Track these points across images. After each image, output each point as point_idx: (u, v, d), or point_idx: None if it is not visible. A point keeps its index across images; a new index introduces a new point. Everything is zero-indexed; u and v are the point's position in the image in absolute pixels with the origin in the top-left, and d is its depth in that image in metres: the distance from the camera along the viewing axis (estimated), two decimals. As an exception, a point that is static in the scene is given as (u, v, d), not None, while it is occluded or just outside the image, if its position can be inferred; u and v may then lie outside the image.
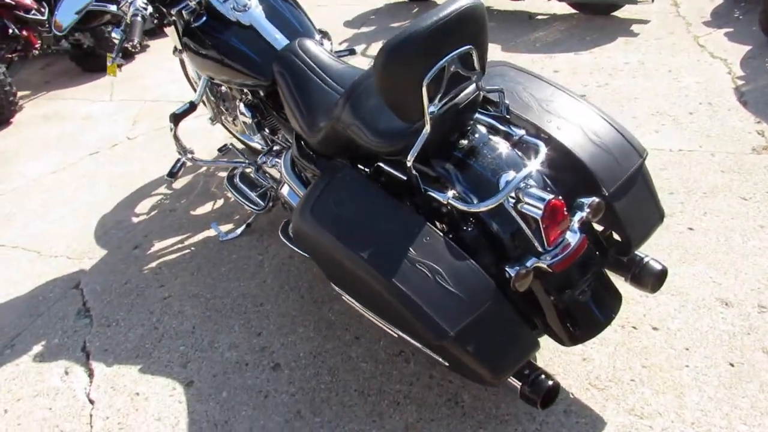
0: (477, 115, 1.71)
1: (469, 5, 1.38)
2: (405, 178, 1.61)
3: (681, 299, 2.07)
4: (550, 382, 1.52)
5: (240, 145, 2.93)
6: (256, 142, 2.59)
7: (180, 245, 2.74)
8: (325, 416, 1.83)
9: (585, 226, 1.61)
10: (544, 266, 1.47)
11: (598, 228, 1.73)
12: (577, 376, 1.86)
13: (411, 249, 1.47)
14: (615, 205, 1.58)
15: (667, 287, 2.11)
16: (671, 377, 1.81)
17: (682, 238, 2.34)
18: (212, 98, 2.72)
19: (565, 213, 1.47)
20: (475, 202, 1.51)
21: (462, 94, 1.52)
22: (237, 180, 2.66)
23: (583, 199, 1.55)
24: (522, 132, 1.63)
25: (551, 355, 1.93)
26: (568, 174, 1.62)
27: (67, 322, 2.38)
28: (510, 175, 1.51)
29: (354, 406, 1.85)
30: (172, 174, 2.70)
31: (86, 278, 2.61)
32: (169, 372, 2.07)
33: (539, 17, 5.00)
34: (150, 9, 2.14)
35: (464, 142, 1.61)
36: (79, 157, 3.77)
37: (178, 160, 2.72)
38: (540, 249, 1.48)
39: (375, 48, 4.75)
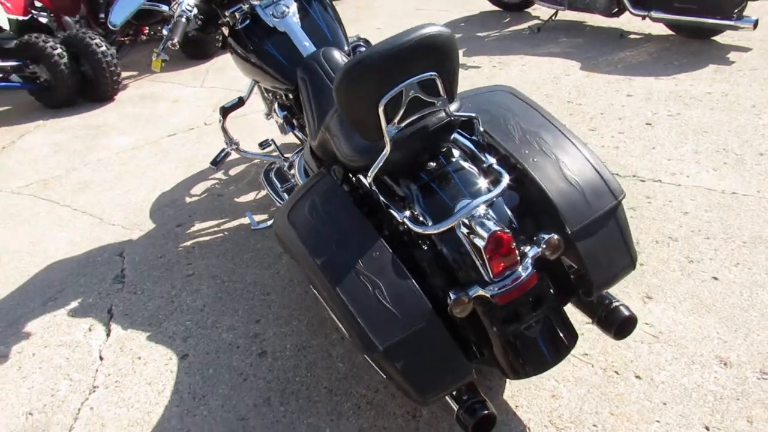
0: (460, 138, 1.73)
1: (431, 34, 1.41)
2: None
3: (677, 351, 1.96)
4: (485, 412, 1.52)
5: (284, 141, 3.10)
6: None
7: (216, 228, 2.96)
8: (290, 407, 1.93)
9: (549, 263, 1.59)
10: (488, 296, 1.48)
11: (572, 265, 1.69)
12: (540, 410, 1.82)
13: (360, 261, 1.53)
14: (578, 245, 1.54)
15: (666, 336, 2.01)
16: (636, 430, 1.73)
17: (702, 286, 2.19)
18: (266, 95, 2.90)
19: (512, 247, 1.46)
20: (430, 224, 1.54)
21: (431, 118, 1.55)
22: (272, 175, 2.82)
23: (543, 235, 1.53)
24: (493, 160, 1.63)
25: (520, 386, 1.90)
26: (536, 208, 1.60)
27: (104, 285, 2.65)
28: (465, 202, 1.52)
29: (319, 402, 1.94)
30: (215, 162, 2.91)
31: (130, 248, 2.89)
32: (171, 343, 2.26)
33: (632, 36, 4.78)
34: (195, 11, 2.34)
35: (433, 164, 1.63)
36: (159, 136, 4.13)
37: (223, 149, 2.93)
38: (487, 279, 1.49)
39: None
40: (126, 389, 2.08)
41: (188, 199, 3.27)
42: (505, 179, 1.55)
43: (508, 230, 1.45)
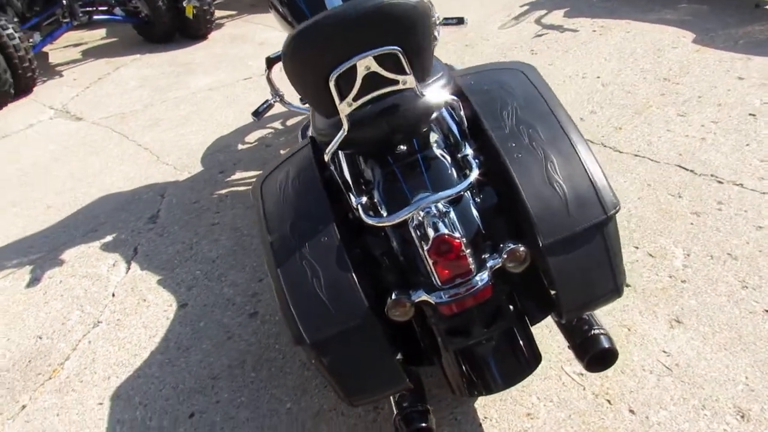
0: (450, 122, 1.54)
1: (387, 2, 1.23)
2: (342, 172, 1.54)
3: (689, 390, 1.69)
4: (422, 425, 1.39)
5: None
6: None
7: (253, 179, 2.96)
8: (260, 374, 1.91)
9: (523, 274, 1.39)
10: (432, 303, 1.33)
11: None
12: (510, 427, 1.66)
13: (307, 245, 1.43)
14: (550, 261, 1.32)
15: (683, 370, 1.74)
16: (608, 473, 1.52)
17: (747, 320, 1.86)
18: None
19: (462, 254, 1.28)
20: (385, 215, 1.40)
21: (400, 98, 1.38)
22: (308, 131, 2.75)
23: (509, 244, 1.33)
24: (469, 151, 1.44)
25: (495, 398, 1.74)
26: (501, 211, 1.40)
27: (139, 223, 2.76)
28: (423, 195, 1.36)
29: (289, 374, 1.90)
30: (257, 113, 2.87)
31: (172, 189, 2.98)
32: (176, 290, 2.31)
33: (768, 7, 4.09)
34: None
35: (403, 148, 1.47)
36: (234, 79, 4.19)
37: (267, 101, 2.89)
38: (435, 284, 1.33)
39: (488, 31, 4.37)
40: (124, 329, 2.17)
41: (240, 147, 3.30)
42: (473, 175, 1.36)
43: (458, 235, 1.27)
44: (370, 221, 1.36)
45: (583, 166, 1.37)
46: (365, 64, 1.28)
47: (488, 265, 1.33)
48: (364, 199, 1.44)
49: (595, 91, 3.28)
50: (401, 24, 1.25)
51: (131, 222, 2.77)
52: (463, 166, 1.42)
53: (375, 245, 1.44)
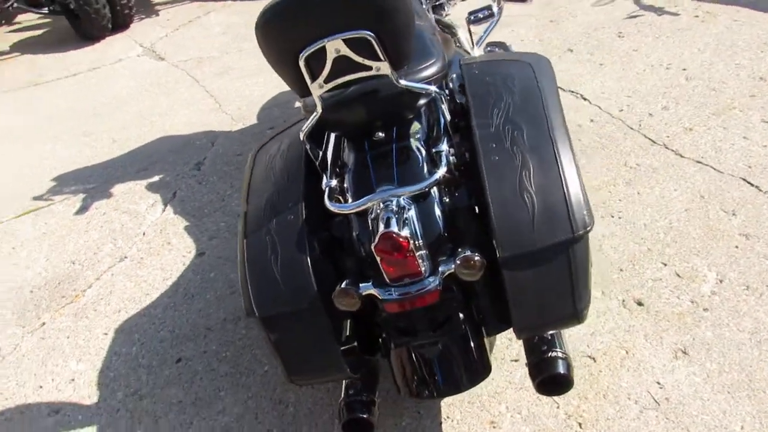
0: (437, 111, 1.46)
1: None
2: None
3: (672, 429, 1.56)
4: (362, 416, 1.39)
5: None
6: None
7: (298, 139, 3.00)
8: (250, 333, 1.97)
9: (484, 283, 1.32)
10: (379, 298, 1.30)
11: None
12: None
13: (275, 221, 1.43)
14: (505, 275, 1.24)
15: (672, 407, 1.60)
16: (554, 499, 1.45)
17: (764, 364, 1.68)
18: None
19: (410, 255, 1.23)
20: (349, 201, 1.37)
21: (377, 84, 1.32)
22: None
23: (467, 250, 1.26)
24: (444, 147, 1.36)
25: (463, 398, 1.70)
26: (473, 215, 1.32)
27: (185, 168, 2.89)
28: (385, 188, 1.31)
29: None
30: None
31: (223, 139, 3.08)
32: (198, 238, 2.42)
33: None
34: None
35: (381, 135, 1.42)
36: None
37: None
38: (385, 280, 1.30)
39: (578, 7, 4.00)
40: (144, 267, 2.31)
41: (297, 104, 3.34)
42: (439, 173, 1.29)
43: (407, 234, 1.22)
44: (330, 206, 1.34)
45: (561, 179, 1.26)
46: (335, 47, 1.23)
47: (440, 269, 1.27)
48: (334, 182, 1.41)
49: (675, 85, 2.99)
50: (374, 7, 1.19)
51: (179, 166, 2.91)
52: (435, 162, 1.35)
53: (339, 230, 1.42)
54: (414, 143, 1.39)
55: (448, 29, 2.51)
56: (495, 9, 2.55)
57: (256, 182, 1.56)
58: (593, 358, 1.76)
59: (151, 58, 4.19)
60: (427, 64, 1.43)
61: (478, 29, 2.78)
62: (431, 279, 1.27)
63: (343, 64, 1.26)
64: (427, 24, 1.57)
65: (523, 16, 4.17)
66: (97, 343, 2.00)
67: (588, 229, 1.23)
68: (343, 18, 1.20)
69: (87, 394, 1.83)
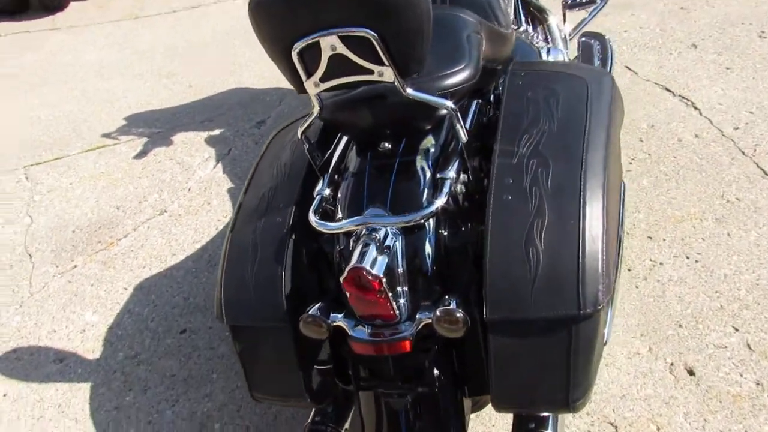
0: (458, 127, 1.24)
1: None
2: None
3: None
4: None
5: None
6: None
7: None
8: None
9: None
10: (348, 334, 1.14)
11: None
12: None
13: (264, 220, 1.30)
14: (490, 339, 1.04)
15: None
16: None
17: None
18: None
19: (380, 296, 1.06)
20: (339, 217, 1.20)
21: (384, 91, 1.12)
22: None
23: (452, 303, 1.07)
24: (452, 174, 1.14)
25: None
26: (470, 259, 1.11)
27: (248, 125, 2.83)
28: (373, 211, 1.13)
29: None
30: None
31: (290, 98, 2.98)
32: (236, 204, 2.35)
33: None
34: None
35: (387, 146, 1.22)
36: None
37: None
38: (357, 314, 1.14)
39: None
40: (179, 225, 2.28)
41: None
42: (436, 204, 1.08)
43: (377, 274, 1.04)
44: (311, 219, 1.18)
45: (579, 239, 1.02)
46: (330, 43, 1.04)
47: (418, 316, 1.09)
48: (328, 190, 1.25)
49: (812, 106, 2.50)
50: (380, 3, 0.98)
51: (241, 122, 2.85)
52: (437, 189, 1.15)
53: (330, 244, 1.26)
54: (420, 162, 1.19)
55: (538, 14, 2.21)
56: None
57: (260, 171, 1.43)
58: (615, 426, 1.52)
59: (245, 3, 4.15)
60: (453, 70, 1.20)
61: (578, 16, 2.45)
62: (406, 325, 1.10)
63: (340, 64, 1.07)
64: (469, 19, 1.33)
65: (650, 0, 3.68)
66: (115, 297, 2.01)
67: (599, 307, 0.99)
68: (340, 11, 1.00)
69: (92, 348, 1.85)
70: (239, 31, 3.74)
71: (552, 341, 1.01)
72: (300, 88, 1.14)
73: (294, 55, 1.05)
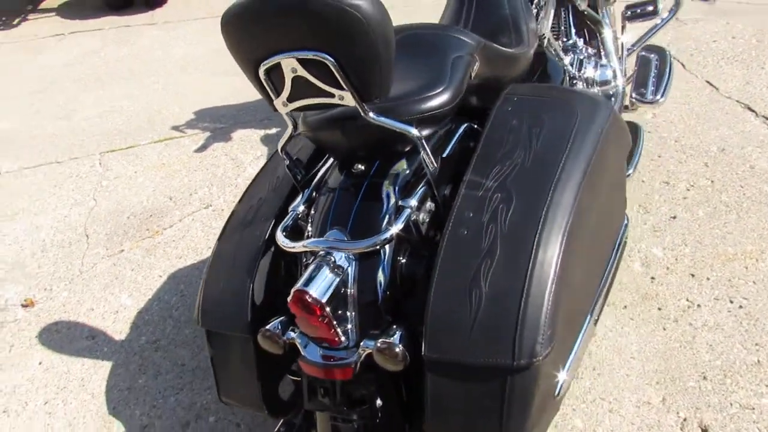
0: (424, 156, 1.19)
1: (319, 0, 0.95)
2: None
3: None
4: None
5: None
6: None
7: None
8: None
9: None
10: (300, 352, 1.15)
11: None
12: None
13: (247, 230, 1.33)
14: (427, 377, 1.00)
15: None
16: None
17: None
18: None
19: (322, 321, 1.05)
20: (308, 234, 1.21)
21: (349, 113, 1.11)
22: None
23: (395, 335, 1.04)
24: (413, 203, 1.10)
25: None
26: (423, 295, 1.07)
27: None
28: (333, 234, 1.12)
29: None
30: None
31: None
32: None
33: None
34: None
35: (361, 168, 1.20)
36: None
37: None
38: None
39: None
40: (219, 219, 2.38)
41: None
42: (391, 231, 1.06)
43: (318, 298, 1.03)
44: (277, 237, 1.20)
45: (524, 285, 0.96)
46: (291, 66, 1.04)
47: (362, 344, 1.07)
48: (302, 207, 1.26)
49: None
50: (332, 29, 0.97)
51: (298, 121, 2.91)
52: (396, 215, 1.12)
53: (296, 260, 1.27)
54: (387, 187, 1.16)
55: (593, 25, 2.08)
56: (659, 5, 2.05)
57: (257, 182, 1.48)
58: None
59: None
60: (429, 94, 1.16)
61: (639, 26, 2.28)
62: (350, 352, 1.08)
63: (304, 86, 1.07)
64: (465, 40, 1.27)
65: (755, 5, 3.35)
66: (150, 284, 2.13)
67: (535, 360, 0.92)
68: (297, 35, 1.00)
69: (120, 329, 1.98)
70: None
71: (486, 388, 0.96)
72: (272, 106, 1.16)
73: (261, 74, 1.07)
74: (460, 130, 1.26)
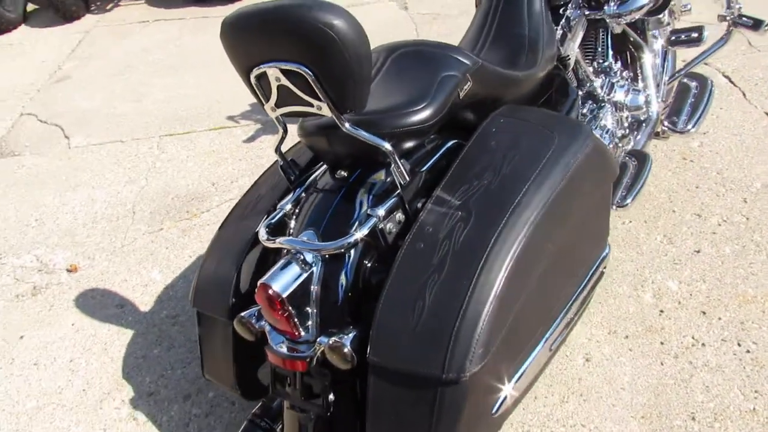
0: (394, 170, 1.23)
1: (296, 16, 1.01)
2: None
3: None
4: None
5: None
6: None
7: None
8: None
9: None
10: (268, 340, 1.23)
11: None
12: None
13: (243, 222, 1.42)
14: (370, 381, 1.06)
15: None
16: None
17: None
18: None
19: (281, 314, 1.12)
20: (289, 232, 1.29)
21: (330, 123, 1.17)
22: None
23: (343, 336, 1.10)
24: (380, 212, 1.15)
25: None
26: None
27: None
28: (306, 235, 1.19)
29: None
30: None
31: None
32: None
33: None
34: None
35: (344, 174, 1.27)
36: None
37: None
38: None
39: None
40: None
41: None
42: (355, 236, 1.12)
43: (279, 292, 1.10)
44: (259, 231, 1.28)
45: (464, 301, 0.99)
46: (275, 75, 1.12)
47: (318, 341, 1.14)
48: (290, 206, 1.34)
49: None
50: (308, 44, 1.04)
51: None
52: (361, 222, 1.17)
53: (277, 254, 1.36)
54: (362, 195, 1.22)
55: (634, 49, 2.05)
56: (705, 33, 2.00)
57: (266, 175, 1.58)
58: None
59: (397, 5, 4.29)
60: (409, 110, 1.21)
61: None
62: (307, 347, 1.15)
63: (287, 95, 1.15)
64: (460, 60, 1.31)
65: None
66: (180, 262, 2.29)
67: (463, 375, 0.96)
68: (279, 47, 1.08)
69: (147, 302, 2.13)
70: (379, 31, 3.90)
71: (419, 397, 1.01)
72: (264, 110, 1.25)
73: (252, 80, 1.16)
74: (445, 147, 1.30)
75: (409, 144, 1.23)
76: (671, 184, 2.26)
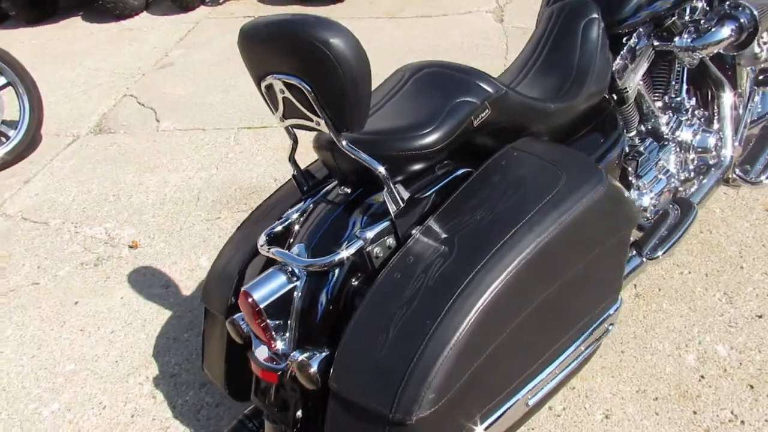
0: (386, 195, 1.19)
1: (292, 31, 1.01)
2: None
3: None
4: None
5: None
6: None
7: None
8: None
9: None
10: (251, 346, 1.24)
11: None
12: None
13: (255, 227, 1.45)
14: (329, 404, 1.04)
15: None
16: None
17: None
18: None
19: (259, 322, 1.12)
20: (289, 242, 1.29)
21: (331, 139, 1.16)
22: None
23: (313, 354, 1.09)
24: (369, 235, 1.12)
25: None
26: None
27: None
28: (297, 249, 1.19)
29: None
30: None
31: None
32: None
33: None
34: None
35: (347, 191, 1.26)
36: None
37: None
38: None
39: None
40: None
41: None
42: (340, 255, 1.11)
43: (257, 301, 1.11)
44: (260, 238, 1.30)
45: (423, 341, 0.95)
46: (279, 87, 1.14)
47: (293, 356, 1.14)
48: (295, 215, 1.34)
49: None
50: (303, 58, 1.04)
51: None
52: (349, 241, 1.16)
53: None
54: (357, 215, 1.20)
55: (713, 88, 1.88)
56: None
57: (285, 184, 1.60)
58: None
59: (494, 17, 4.20)
60: (414, 134, 1.18)
61: None
62: (283, 360, 1.15)
63: (292, 107, 1.16)
64: (481, 86, 1.25)
65: None
66: (227, 252, 2.37)
67: (410, 417, 0.92)
68: (280, 60, 1.09)
69: (189, 286, 2.23)
70: (471, 44, 3.85)
71: (366, 430, 0.98)
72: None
73: (262, 90, 1.18)
74: (454, 175, 1.25)
75: (413, 168, 1.20)
76: (745, 237, 2.05)
